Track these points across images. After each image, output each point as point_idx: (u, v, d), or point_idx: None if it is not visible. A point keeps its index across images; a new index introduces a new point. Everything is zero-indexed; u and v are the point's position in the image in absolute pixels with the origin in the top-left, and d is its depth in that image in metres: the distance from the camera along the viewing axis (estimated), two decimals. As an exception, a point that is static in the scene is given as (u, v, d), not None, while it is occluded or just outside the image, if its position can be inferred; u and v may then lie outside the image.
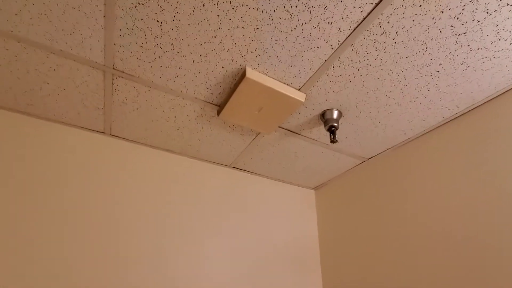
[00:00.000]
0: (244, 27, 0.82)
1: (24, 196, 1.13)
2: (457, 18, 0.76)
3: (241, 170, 1.66)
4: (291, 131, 1.29)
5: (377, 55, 0.88)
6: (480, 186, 1.02)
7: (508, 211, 0.93)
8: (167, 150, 1.48)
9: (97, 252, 1.17)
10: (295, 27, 0.81)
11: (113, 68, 0.99)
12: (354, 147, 1.38)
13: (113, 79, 1.03)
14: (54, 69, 1.00)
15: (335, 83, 1.00)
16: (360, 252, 1.45)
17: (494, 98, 1.03)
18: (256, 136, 1.33)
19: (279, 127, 1.26)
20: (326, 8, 0.75)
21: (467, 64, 0.89)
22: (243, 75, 0.96)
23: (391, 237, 1.30)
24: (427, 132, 1.23)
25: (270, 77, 0.99)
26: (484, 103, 1.05)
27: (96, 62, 0.97)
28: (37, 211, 1.13)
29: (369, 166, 1.50)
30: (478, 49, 0.85)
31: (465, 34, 0.80)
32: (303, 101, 1.04)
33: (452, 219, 1.08)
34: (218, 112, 1.15)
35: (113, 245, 1.21)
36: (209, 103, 1.13)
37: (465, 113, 1.11)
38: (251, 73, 0.95)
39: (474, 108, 1.08)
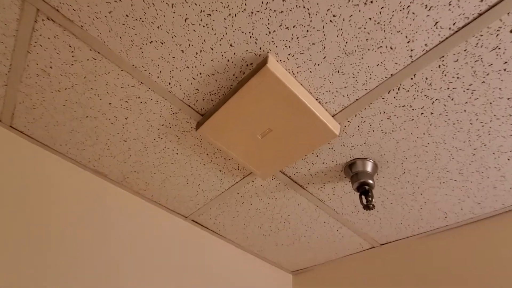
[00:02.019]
0: (293, -26, 0.48)
1: None
2: None
3: (202, 227, 1.14)
4: (295, 182, 0.88)
5: (472, 82, 0.58)
6: None
7: None
8: (98, 173, 0.95)
9: None
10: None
11: (43, 0, 0.56)
12: (371, 224, 0.99)
13: (36, 20, 0.60)
14: None
15: (389, 118, 0.66)
16: None
17: None
18: (243, 178, 0.89)
19: (280, 171, 0.85)
20: (434, -25, 0.46)
21: None
22: (261, 65, 0.59)
23: None
24: (474, 221, 0.90)
25: (298, 82, 0.63)
26: None
27: (10, -24, 0.54)
28: None
29: (378, 255, 1.09)
30: None
31: None
32: (338, 134, 0.67)
33: None
34: (199, 125, 0.73)
35: None
36: (189, 106, 0.71)
37: (534, 204, 0.81)
38: (274, 65, 0.58)
39: (551, 199, 0.79)
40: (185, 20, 0.56)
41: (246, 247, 1.23)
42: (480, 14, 0.49)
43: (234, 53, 0.59)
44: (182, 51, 0.60)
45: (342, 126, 0.70)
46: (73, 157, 0.91)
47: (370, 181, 0.72)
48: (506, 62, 0.54)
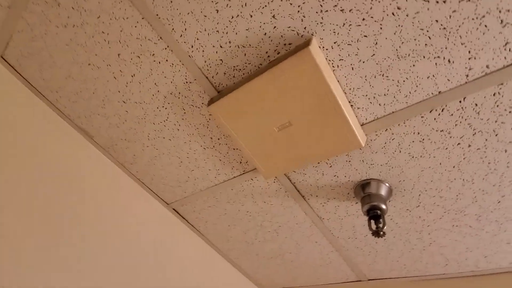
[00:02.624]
0: None
1: None
2: None
3: (182, 219, 1.04)
4: (298, 190, 0.80)
5: (521, 122, 0.53)
6: None
7: None
8: (84, 133, 0.85)
9: None
10: (448, -1, 0.44)
11: None
12: (365, 255, 0.91)
13: None
14: None
15: (422, 140, 0.60)
16: None
17: None
18: (242, 173, 0.81)
19: (285, 174, 0.77)
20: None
21: None
22: (301, 47, 0.52)
23: None
24: (474, 275, 0.84)
25: (336, 77, 0.56)
26: None
27: None
28: None
29: (362, 291, 1.01)
30: None
31: None
32: (363, 145, 0.60)
33: None
34: (211, 102, 0.65)
35: None
36: (206, 78, 0.64)
37: (544, 271, 0.75)
38: (316, 50, 0.52)
39: None
40: (230, -25, 0.49)
41: (224, 251, 1.13)
42: (558, 45, 0.44)
43: (275, 27, 0.52)
44: (217, 11, 0.53)
45: (368, 139, 0.63)
46: (62, 108, 0.81)
47: (383, 206, 0.65)
48: None
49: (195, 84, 0.65)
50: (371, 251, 0.89)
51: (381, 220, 0.64)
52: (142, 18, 0.58)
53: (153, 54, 0.63)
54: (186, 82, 0.66)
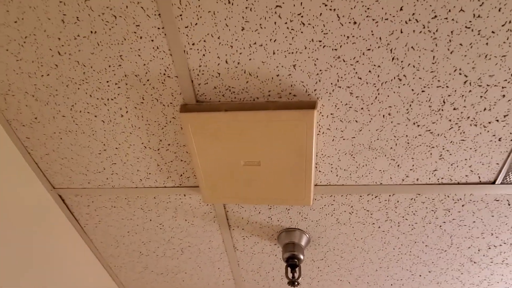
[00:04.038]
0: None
1: None
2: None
3: (65, 210, 0.82)
4: (227, 219, 0.78)
5: (419, 222, 0.70)
6: None
7: None
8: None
9: None
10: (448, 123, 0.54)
11: None
12: (258, 287, 0.96)
13: None
14: None
15: (351, 212, 0.70)
16: None
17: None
18: (178, 186, 0.72)
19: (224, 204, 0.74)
20: None
21: None
22: (306, 105, 0.53)
23: None
24: (331, 317, 1.02)
25: (316, 140, 0.59)
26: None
27: None
28: None
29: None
30: None
31: (474, 264, 0.76)
32: (311, 204, 0.65)
33: None
34: (186, 109, 0.56)
35: None
36: (192, 82, 0.55)
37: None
38: (317, 114, 0.53)
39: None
40: (276, 6, 0.45)
41: (104, 257, 0.96)
42: (459, 183, 0.62)
43: (290, 75, 0.51)
44: (243, 29, 0.48)
45: (313, 198, 0.69)
46: None
47: (301, 257, 0.72)
48: (444, 222, 0.69)
49: (173, 81, 0.55)
50: (265, 285, 0.95)
51: (297, 269, 0.70)
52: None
53: (138, 26, 0.50)
54: (164, 74, 0.55)
